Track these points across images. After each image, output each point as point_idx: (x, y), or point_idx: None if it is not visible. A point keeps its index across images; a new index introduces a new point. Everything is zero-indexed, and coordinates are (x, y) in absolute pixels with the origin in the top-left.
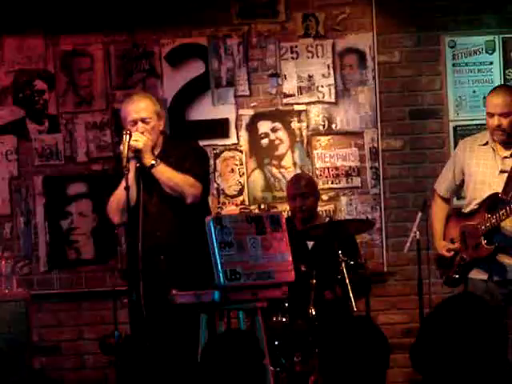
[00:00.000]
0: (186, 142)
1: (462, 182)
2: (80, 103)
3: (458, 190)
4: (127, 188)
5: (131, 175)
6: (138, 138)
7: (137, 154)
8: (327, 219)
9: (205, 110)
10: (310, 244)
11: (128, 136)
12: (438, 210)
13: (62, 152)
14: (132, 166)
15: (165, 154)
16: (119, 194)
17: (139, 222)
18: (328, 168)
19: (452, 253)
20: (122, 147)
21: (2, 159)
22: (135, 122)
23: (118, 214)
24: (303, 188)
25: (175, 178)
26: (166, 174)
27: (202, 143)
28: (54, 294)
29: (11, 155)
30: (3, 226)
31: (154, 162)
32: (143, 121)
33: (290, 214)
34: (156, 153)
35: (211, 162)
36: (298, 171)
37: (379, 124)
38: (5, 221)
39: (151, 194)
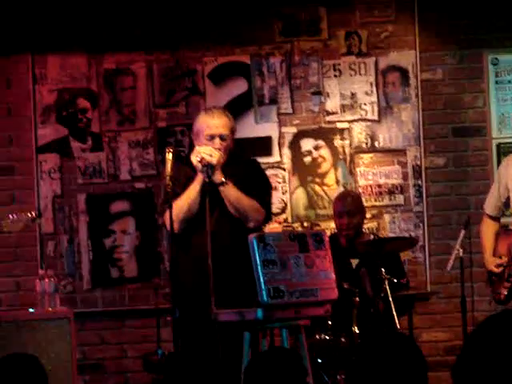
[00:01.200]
0: (252, 161)
1: (508, 198)
2: (123, 121)
3: (505, 206)
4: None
5: (197, 188)
6: (213, 154)
7: (209, 169)
8: (372, 237)
9: (248, 128)
10: (355, 262)
11: (171, 154)
12: (487, 229)
13: (105, 170)
14: (199, 179)
15: (228, 169)
16: (182, 203)
17: (206, 236)
18: (371, 186)
19: (501, 268)
20: (197, 160)
21: (46, 178)
22: (212, 137)
23: (178, 224)
24: (349, 206)
25: (242, 201)
26: (234, 194)
27: None
28: (97, 312)
29: (54, 173)
30: (47, 244)
31: (224, 179)
32: (221, 137)
33: (334, 231)
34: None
35: None
36: (341, 189)
37: (422, 141)
38: (48, 239)
39: (212, 210)
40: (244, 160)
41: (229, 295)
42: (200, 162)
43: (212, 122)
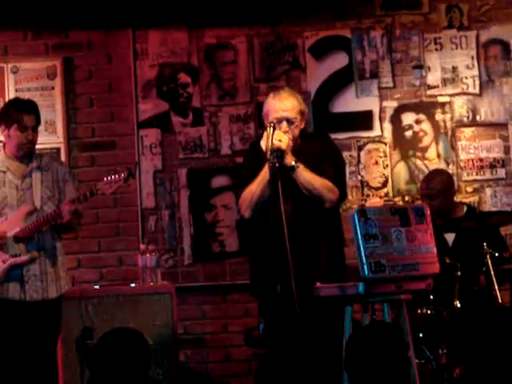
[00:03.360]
0: (324, 139)
1: None
2: (223, 96)
3: None
4: (272, 182)
5: (268, 172)
6: (282, 138)
7: (278, 153)
8: (465, 208)
9: (348, 102)
10: (450, 237)
11: (272, 129)
12: None
13: (205, 145)
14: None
15: (301, 151)
16: (254, 188)
17: (283, 221)
18: (472, 160)
19: None
20: (264, 140)
21: (147, 152)
22: (280, 121)
23: (250, 209)
24: (430, 189)
25: (315, 182)
26: (306, 176)
27: (345, 135)
28: (198, 287)
29: (155, 148)
30: (148, 219)
31: (294, 163)
32: (288, 121)
33: None
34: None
35: (355, 153)
36: (443, 163)
37: None
38: (149, 214)
39: (285, 194)
40: (317, 137)
41: (308, 276)
42: (267, 140)
43: (278, 106)
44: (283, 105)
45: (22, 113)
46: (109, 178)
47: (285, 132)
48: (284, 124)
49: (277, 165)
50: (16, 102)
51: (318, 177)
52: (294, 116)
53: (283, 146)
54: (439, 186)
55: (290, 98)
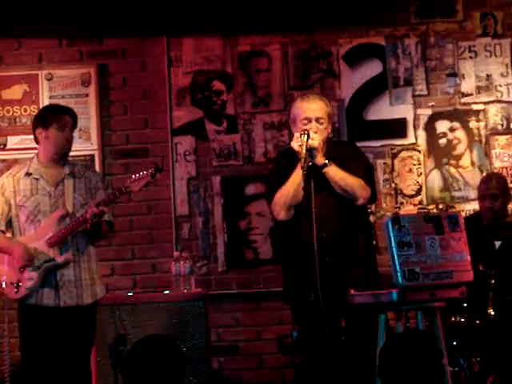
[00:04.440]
0: (350, 143)
1: None
2: (257, 103)
3: None
4: (305, 188)
5: (301, 173)
6: (314, 137)
7: (311, 152)
8: None
9: (382, 110)
10: (498, 243)
11: (306, 136)
12: None
13: (239, 152)
14: (301, 164)
15: (330, 156)
16: (287, 190)
17: (312, 221)
18: (506, 168)
19: None
20: (298, 146)
21: (181, 160)
22: (309, 121)
23: (285, 211)
24: (493, 189)
25: (347, 179)
26: (338, 174)
27: (379, 143)
28: (231, 294)
29: (189, 156)
30: (182, 226)
31: (326, 161)
32: (317, 120)
33: (472, 213)
34: None
35: (389, 161)
36: (477, 171)
37: None
38: (183, 221)
39: (317, 194)
40: (342, 143)
41: (339, 276)
42: (301, 146)
43: (307, 106)
44: (312, 105)
45: (60, 113)
46: (136, 175)
47: (315, 132)
48: (313, 124)
49: (310, 163)
50: (52, 105)
51: (349, 175)
52: (323, 116)
53: (315, 144)
54: (500, 185)
55: (318, 99)
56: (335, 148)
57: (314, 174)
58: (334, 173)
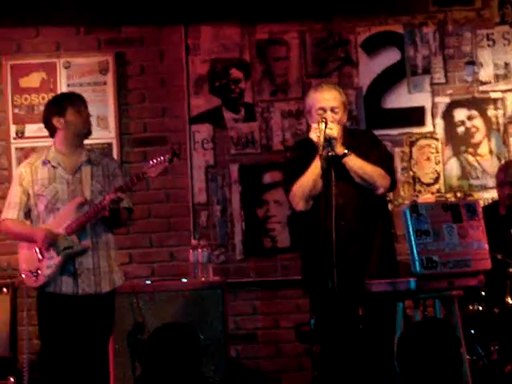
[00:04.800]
0: (367, 132)
1: None
2: (275, 92)
3: None
4: (324, 177)
5: (320, 163)
6: (332, 127)
7: (330, 142)
8: None
9: (400, 98)
10: None
11: (324, 124)
12: None
13: (257, 140)
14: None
15: (347, 145)
16: (306, 181)
17: (331, 210)
18: None
19: None
20: (316, 136)
21: (199, 148)
22: (324, 111)
23: (303, 202)
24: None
25: (367, 168)
26: (358, 163)
27: (397, 131)
28: (249, 282)
29: (207, 144)
30: (199, 214)
31: (346, 151)
32: (332, 110)
33: (491, 201)
34: None
35: (407, 149)
36: (495, 159)
37: None
38: (201, 209)
39: (337, 183)
40: (359, 132)
41: (357, 265)
42: (319, 135)
43: (322, 96)
44: (326, 95)
45: (71, 97)
46: (154, 160)
47: (331, 121)
48: (329, 113)
49: (330, 153)
50: (60, 93)
51: (368, 164)
52: (338, 106)
53: (334, 133)
54: None
55: (332, 89)
56: (352, 137)
57: (334, 164)
58: (354, 162)
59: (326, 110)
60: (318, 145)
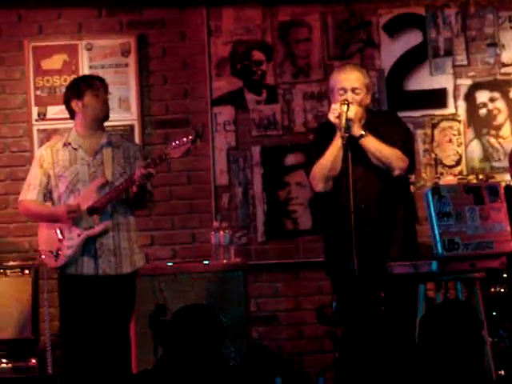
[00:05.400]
0: (391, 114)
1: None
2: (297, 74)
3: None
4: (345, 159)
5: (338, 144)
6: (351, 108)
7: (347, 123)
8: None
9: (422, 80)
10: None
11: (346, 106)
12: None
13: (279, 122)
14: (338, 135)
15: (369, 127)
16: (325, 162)
17: (349, 193)
18: None
19: None
20: (334, 117)
21: (221, 130)
22: (345, 91)
23: (323, 182)
24: None
25: (384, 150)
26: (374, 144)
27: (419, 113)
28: (271, 264)
29: (229, 126)
30: (221, 196)
31: (363, 132)
32: (353, 91)
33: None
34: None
35: (429, 131)
36: None
37: None
38: (223, 191)
39: (355, 165)
40: (383, 113)
41: (379, 247)
42: (338, 117)
43: (343, 76)
44: (348, 75)
45: (90, 79)
46: (177, 141)
47: (350, 102)
48: (349, 94)
49: (347, 135)
50: (80, 76)
51: (386, 145)
52: (360, 87)
53: (351, 114)
54: None
55: (355, 70)
56: (375, 118)
57: (352, 145)
58: (371, 143)
59: (347, 90)
60: (337, 125)
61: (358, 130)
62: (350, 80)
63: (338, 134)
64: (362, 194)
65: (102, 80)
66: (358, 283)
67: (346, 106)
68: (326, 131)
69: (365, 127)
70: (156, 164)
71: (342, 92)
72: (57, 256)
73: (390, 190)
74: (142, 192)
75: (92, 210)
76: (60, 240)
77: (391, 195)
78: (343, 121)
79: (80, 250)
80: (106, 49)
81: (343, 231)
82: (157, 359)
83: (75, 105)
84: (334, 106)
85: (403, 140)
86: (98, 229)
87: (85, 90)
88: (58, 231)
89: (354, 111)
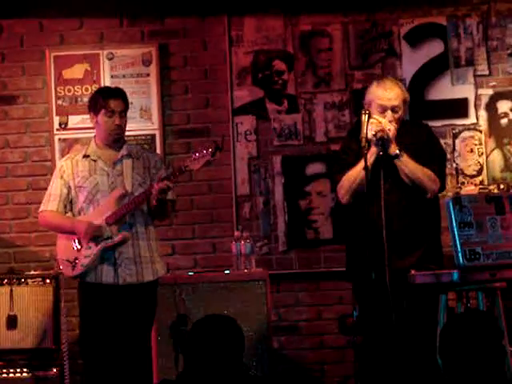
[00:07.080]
0: (424, 126)
1: None
2: (319, 83)
3: None
4: (366, 168)
5: (371, 160)
6: (390, 127)
7: (384, 142)
8: None
9: (444, 90)
10: None
11: (367, 116)
12: None
13: (300, 132)
14: (372, 151)
15: (400, 137)
16: (354, 173)
17: (381, 209)
18: None
19: None
20: (372, 134)
21: (242, 139)
22: (384, 109)
23: (349, 195)
24: None
25: (418, 172)
26: (409, 166)
27: (440, 123)
28: (292, 274)
29: (250, 135)
30: (242, 206)
31: (398, 151)
32: (393, 109)
33: None
34: None
35: (450, 141)
36: None
37: None
38: (244, 201)
39: (386, 183)
40: (416, 125)
41: (405, 264)
42: (375, 135)
43: (383, 94)
44: (388, 93)
45: (108, 98)
46: (196, 154)
47: (390, 121)
48: (389, 113)
49: (381, 153)
50: (102, 88)
51: (420, 166)
52: (399, 105)
53: (390, 134)
54: None
55: (395, 86)
56: (408, 129)
57: (383, 163)
58: (405, 164)
59: (387, 108)
60: (372, 142)
61: (394, 149)
62: (390, 99)
63: (372, 150)
64: (390, 210)
65: (123, 98)
66: (380, 294)
67: (366, 116)
68: (354, 141)
69: (397, 139)
70: (175, 176)
71: (380, 110)
72: (74, 265)
73: (419, 205)
74: (160, 204)
75: (110, 222)
76: (78, 249)
77: (420, 210)
78: (364, 131)
79: (98, 259)
80: (127, 58)
81: (368, 240)
82: (177, 368)
83: (91, 118)
84: (372, 121)
85: (436, 160)
86: (115, 240)
87: (100, 108)
88: (76, 241)
89: (392, 131)
